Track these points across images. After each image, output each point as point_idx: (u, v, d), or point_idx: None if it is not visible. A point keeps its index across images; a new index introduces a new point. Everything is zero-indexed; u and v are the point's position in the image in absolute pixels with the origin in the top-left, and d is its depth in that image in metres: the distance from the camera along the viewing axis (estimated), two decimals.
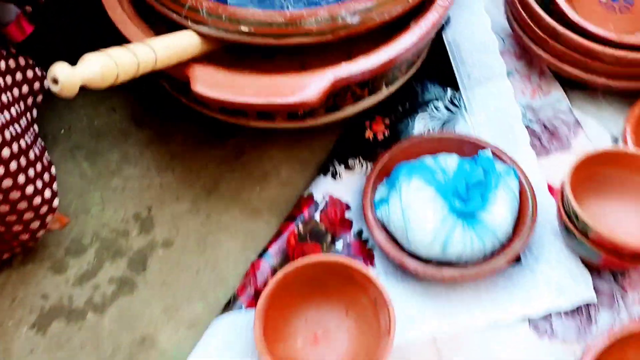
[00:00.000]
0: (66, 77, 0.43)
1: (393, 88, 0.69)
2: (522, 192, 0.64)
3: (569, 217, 0.58)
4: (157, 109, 0.78)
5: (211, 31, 0.58)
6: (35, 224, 0.60)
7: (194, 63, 0.59)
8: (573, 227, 0.58)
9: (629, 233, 0.61)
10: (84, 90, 0.77)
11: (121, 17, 0.62)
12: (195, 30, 0.59)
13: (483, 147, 0.67)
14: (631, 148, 0.67)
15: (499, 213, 0.60)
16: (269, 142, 0.75)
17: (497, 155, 0.66)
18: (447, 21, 0.78)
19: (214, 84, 0.57)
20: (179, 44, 0.56)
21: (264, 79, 0.58)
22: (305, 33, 0.58)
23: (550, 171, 0.70)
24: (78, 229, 0.69)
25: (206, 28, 0.58)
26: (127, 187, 0.73)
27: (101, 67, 0.46)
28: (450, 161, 0.65)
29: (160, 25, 0.63)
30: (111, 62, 0.47)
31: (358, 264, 0.57)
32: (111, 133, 0.77)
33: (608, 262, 0.57)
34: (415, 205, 0.60)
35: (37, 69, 0.67)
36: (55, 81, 0.43)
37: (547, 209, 0.65)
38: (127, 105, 0.80)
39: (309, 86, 0.56)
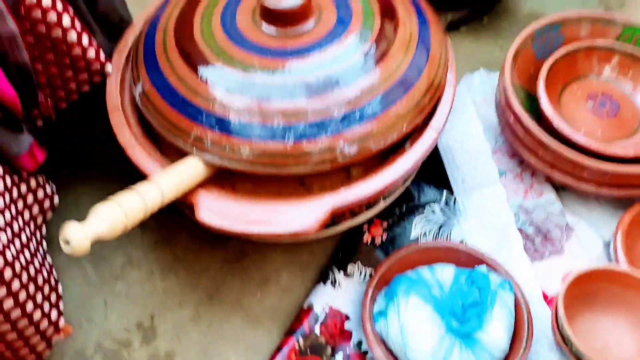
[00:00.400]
0: (78, 239, 0.45)
1: (390, 200, 0.72)
2: (517, 307, 0.66)
3: (564, 340, 0.60)
4: (161, 211, 0.80)
5: (215, 160, 0.61)
6: (41, 346, 0.61)
7: (198, 188, 0.61)
8: (568, 352, 0.59)
9: (622, 350, 0.62)
10: (90, 190, 0.80)
11: (129, 141, 0.65)
12: (200, 158, 0.61)
13: (478, 258, 0.69)
14: (621, 258, 0.69)
15: (496, 332, 0.62)
16: (270, 244, 0.76)
17: (492, 266, 0.68)
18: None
19: (217, 213, 0.59)
20: (185, 176, 0.58)
21: (265, 206, 0.60)
22: (305, 163, 0.60)
23: (545, 277, 0.72)
24: (81, 339, 0.70)
25: (210, 156, 0.61)
26: (131, 292, 0.74)
27: (111, 221, 0.48)
28: (446, 273, 0.67)
29: (167, 145, 0.66)
30: (121, 214, 0.49)
31: None
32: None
33: None
34: (413, 323, 0.62)
35: (47, 187, 0.69)
36: (67, 242, 0.45)
37: (542, 319, 0.67)
38: None
39: (308, 216, 0.58)
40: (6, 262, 0.52)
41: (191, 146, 0.61)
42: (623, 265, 0.68)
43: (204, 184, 0.62)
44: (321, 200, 0.60)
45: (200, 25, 0.67)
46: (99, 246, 0.76)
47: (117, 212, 0.49)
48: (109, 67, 0.70)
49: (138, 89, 0.67)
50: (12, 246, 0.56)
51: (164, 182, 0.56)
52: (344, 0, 0.70)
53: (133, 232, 0.78)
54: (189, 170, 0.60)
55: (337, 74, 0.62)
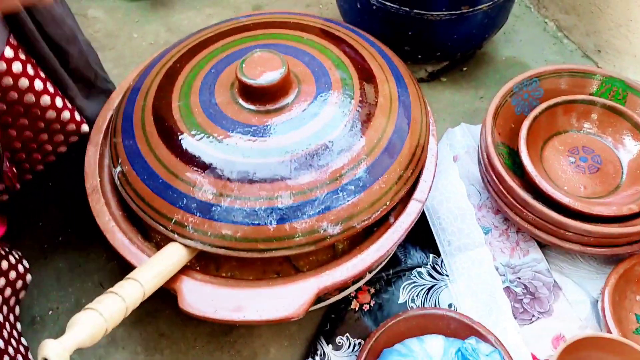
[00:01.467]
0: (57, 356, 0.44)
1: (376, 270, 0.71)
2: None
3: None
4: None
5: (197, 245, 0.60)
6: None
7: (181, 274, 0.60)
8: None
9: None
10: (71, 266, 0.79)
11: (109, 226, 0.63)
12: (182, 243, 0.60)
13: (468, 325, 0.68)
14: (609, 318, 0.68)
15: None
16: None
17: (482, 335, 0.68)
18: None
19: (200, 301, 0.58)
20: (168, 265, 0.57)
21: (249, 292, 0.59)
22: (288, 246, 0.59)
23: (535, 341, 0.71)
24: None
25: (192, 242, 0.60)
26: None
27: (90, 329, 0.47)
28: (435, 345, 0.66)
29: (149, 227, 0.65)
30: (100, 320, 0.48)
31: None
32: None
33: None
34: None
35: (20, 266, 0.68)
36: None
37: None
38: (114, 279, 0.80)
39: (293, 300, 0.57)
40: None
41: (172, 232, 0.60)
42: (611, 325, 0.67)
43: (187, 267, 0.61)
44: (306, 282, 0.59)
45: (178, 103, 0.66)
46: None
47: (96, 320, 0.48)
48: (85, 127, 0.69)
49: (117, 170, 0.66)
50: None
51: (145, 277, 0.54)
52: (322, 69, 0.69)
53: None
54: (171, 258, 0.58)
55: (321, 150, 0.61)
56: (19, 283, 0.68)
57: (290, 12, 0.81)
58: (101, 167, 0.70)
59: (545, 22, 1.06)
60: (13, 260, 0.67)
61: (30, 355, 0.65)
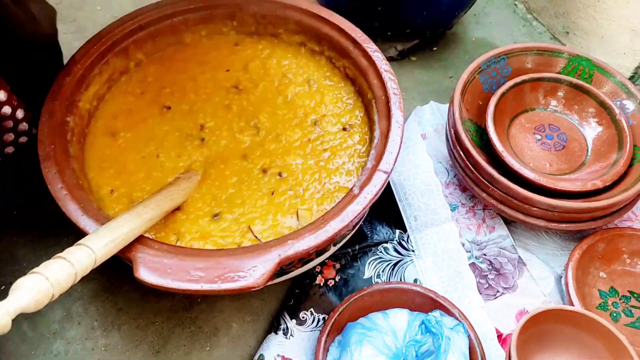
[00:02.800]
0: None
1: (341, 244, 0.70)
2: (471, 349, 0.64)
3: None
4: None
5: None
6: None
7: (136, 243, 0.58)
8: None
9: None
10: (26, 241, 0.76)
11: (61, 194, 0.61)
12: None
13: (432, 299, 0.68)
14: (572, 293, 0.68)
15: None
16: None
17: (446, 309, 0.67)
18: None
19: (157, 270, 0.56)
20: (122, 233, 0.55)
21: (208, 261, 0.57)
22: None
23: (499, 315, 0.71)
24: None
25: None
26: (70, 350, 0.70)
27: (35, 293, 0.45)
28: (400, 319, 0.65)
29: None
30: (46, 285, 0.46)
31: None
32: None
33: None
34: None
35: None
36: None
37: (496, 359, 0.66)
38: None
39: (254, 270, 0.56)
40: None
41: None
42: (574, 300, 0.68)
43: (143, 236, 0.59)
44: (269, 252, 0.57)
45: None
46: None
47: (42, 284, 0.46)
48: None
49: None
50: None
51: (97, 244, 0.52)
52: None
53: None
54: (127, 225, 0.56)
55: None
56: None
57: None
58: (56, 134, 0.67)
59: (515, 4, 1.06)
60: None
61: None
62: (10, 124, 0.65)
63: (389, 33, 0.93)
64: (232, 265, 0.57)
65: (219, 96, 0.77)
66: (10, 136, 0.66)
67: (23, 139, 0.67)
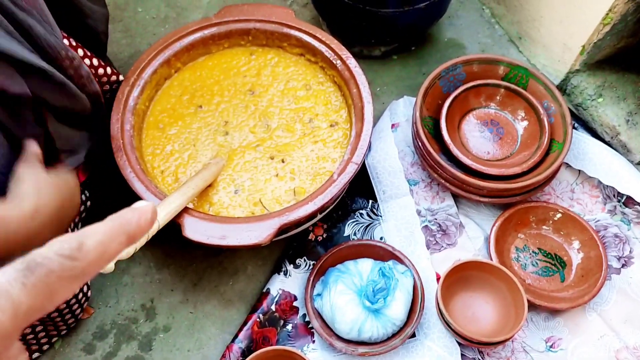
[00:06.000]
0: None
1: (325, 213, 0.97)
2: (415, 288, 0.92)
3: (440, 313, 0.87)
4: None
5: None
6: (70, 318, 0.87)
7: (184, 213, 0.85)
8: (443, 320, 0.86)
9: (485, 317, 0.90)
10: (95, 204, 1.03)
11: (130, 177, 0.88)
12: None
13: (391, 252, 0.95)
14: (492, 250, 0.95)
15: (396, 308, 0.88)
16: None
17: (400, 259, 0.94)
18: (369, 147, 1.05)
19: (198, 231, 0.84)
20: (175, 208, 0.82)
21: (231, 226, 0.84)
22: None
23: (441, 264, 0.98)
24: (100, 317, 0.95)
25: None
26: (135, 282, 0.99)
27: (155, 228, 0.72)
28: (365, 266, 0.93)
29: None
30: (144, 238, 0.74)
31: (297, 352, 0.84)
32: None
33: (466, 344, 0.86)
34: (339, 304, 0.88)
35: (82, 196, 0.92)
36: None
37: (435, 296, 0.94)
38: None
39: (262, 232, 0.83)
40: None
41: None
42: (492, 254, 0.94)
43: (187, 207, 0.86)
44: (272, 220, 0.85)
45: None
46: None
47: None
48: (121, 77, 0.97)
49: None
50: None
51: (159, 216, 0.79)
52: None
53: None
54: (176, 201, 0.83)
55: None
56: (82, 207, 0.93)
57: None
58: (123, 131, 0.94)
59: (482, 9, 1.27)
60: (83, 198, 0.92)
61: None
62: (105, 79, 0.93)
63: (373, 40, 1.17)
64: (247, 228, 0.84)
65: (238, 98, 1.02)
66: (106, 87, 0.94)
67: (107, 87, 0.96)
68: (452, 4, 1.22)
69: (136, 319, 0.95)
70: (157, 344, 0.93)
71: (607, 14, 0.97)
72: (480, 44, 1.24)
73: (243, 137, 0.98)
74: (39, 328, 0.85)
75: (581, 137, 1.05)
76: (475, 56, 1.07)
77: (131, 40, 1.26)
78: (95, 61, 0.90)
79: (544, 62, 1.15)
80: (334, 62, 1.01)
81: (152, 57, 1.01)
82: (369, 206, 1.03)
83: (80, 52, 0.87)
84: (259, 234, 0.83)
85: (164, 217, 0.79)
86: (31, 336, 0.85)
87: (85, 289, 0.88)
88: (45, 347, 0.90)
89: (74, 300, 0.85)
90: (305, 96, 1.02)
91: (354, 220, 1.02)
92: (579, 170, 1.04)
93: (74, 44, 0.85)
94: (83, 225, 0.96)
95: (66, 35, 0.83)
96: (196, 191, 0.87)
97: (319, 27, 1.04)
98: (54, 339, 0.90)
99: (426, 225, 1.02)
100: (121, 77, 0.98)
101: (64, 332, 0.90)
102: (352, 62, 0.99)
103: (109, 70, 0.95)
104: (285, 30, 1.04)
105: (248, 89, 1.03)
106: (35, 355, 0.90)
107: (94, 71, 0.90)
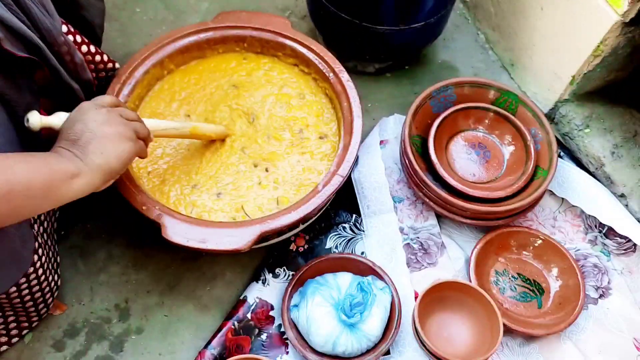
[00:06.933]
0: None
1: (307, 224, 0.96)
2: (392, 305, 0.91)
3: (416, 331, 0.87)
4: (136, 220, 1.03)
5: None
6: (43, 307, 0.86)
7: (165, 215, 0.84)
8: (418, 339, 0.86)
9: (461, 338, 0.89)
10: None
11: None
12: None
13: (371, 267, 0.94)
14: (472, 272, 0.95)
15: (372, 324, 0.88)
16: None
17: (380, 275, 0.94)
18: (356, 161, 1.05)
19: (178, 233, 0.83)
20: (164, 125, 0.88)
21: (212, 230, 0.84)
22: None
23: (421, 282, 0.98)
24: (73, 315, 0.94)
25: None
26: (111, 281, 0.98)
27: None
28: (344, 280, 0.92)
29: None
30: None
31: None
32: (100, 236, 1.02)
33: None
34: (316, 316, 0.87)
35: None
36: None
37: (411, 315, 0.93)
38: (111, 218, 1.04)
39: (242, 238, 0.83)
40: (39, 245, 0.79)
41: None
42: (472, 276, 0.94)
43: (169, 208, 0.86)
44: (253, 227, 0.84)
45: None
46: (86, 243, 1.00)
47: None
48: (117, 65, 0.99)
49: None
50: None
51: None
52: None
53: (114, 233, 1.02)
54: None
55: None
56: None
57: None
58: None
59: (477, 34, 1.29)
60: None
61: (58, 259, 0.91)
62: (101, 66, 0.95)
63: (367, 56, 1.17)
64: (227, 233, 0.84)
65: (219, 95, 1.02)
66: (102, 74, 0.96)
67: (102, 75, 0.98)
68: (448, 27, 1.23)
69: (109, 318, 0.94)
70: (129, 345, 0.92)
71: (598, 46, 0.99)
72: (473, 68, 1.26)
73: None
74: (10, 318, 0.84)
75: (566, 166, 1.06)
76: (467, 79, 1.08)
77: (127, 40, 1.26)
78: (92, 48, 0.91)
79: (534, 90, 1.17)
80: (327, 74, 1.01)
81: (145, 56, 1.01)
82: (352, 220, 1.03)
83: (78, 38, 0.88)
84: (239, 239, 0.83)
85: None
86: (1, 326, 0.83)
87: (56, 277, 0.87)
88: (15, 339, 0.89)
89: (47, 289, 0.84)
90: (298, 105, 1.02)
91: (337, 233, 1.02)
92: (562, 199, 1.05)
93: (72, 30, 0.86)
94: (60, 217, 0.96)
95: (64, 21, 0.84)
96: (183, 128, 0.89)
97: (315, 40, 1.04)
98: (25, 332, 0.89)
99: (408, 243, 1.02)
100: (117, 65, 1.00)
101: (36, 322, 0.89)
102: (344, 76, 1.00)
103: (105, 57, 0.96)
104: (281, 39, 1.05)
105: (233, 86, 1.03)
106: (3, 348, 0.88)
107: (90, 57, 0.91)
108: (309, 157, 0.97)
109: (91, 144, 0.67)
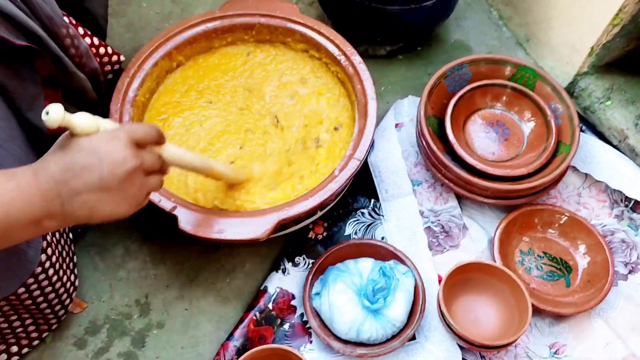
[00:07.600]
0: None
1: (325, 210, 0.94)
2: (416, 289, 0.89)
3: (442, 315, 0.84)
4: (152, 213, 1.02)
5: None
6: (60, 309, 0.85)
7: (179, 206, 0.83)
8: (444, 322, 0.84)
9: (487, 321, 0.87)
10: None
11: None
12: None
13: (392, 252, 0.92)
14: (496, 252, 0.92)
15: (396, 309, 0.86)
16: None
17: (401, 259, 0.92)
18: (372, 145, 1.03)
19: (194, 224, 0.82)
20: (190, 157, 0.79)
21: (228, 219, 0.82)
22: None
23: (444, 265, 0.96)
24: (93, 312, 0.93)
25: None
26: (130, 277, 0.97)
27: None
28: (366, 265, 0.90)
29: None
30: None
31: (294, 351, 0.82)
32: (117, 232, 1.01)
33: (467, 347, 0.84)
34: (338, 303, 0.86)
35: None
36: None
37: (436, 298, 0.91)
38: None
39: (259, 227, 0.81)
40: (48, 244, 0.76)
41: None
42: (496, 257, 0.92)
43: (183, 199, 0.84)
44: (271, 215, 0.83)
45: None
46: (102, 240, 0.99)
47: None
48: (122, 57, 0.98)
49: None
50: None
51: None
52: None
53: (130, 229, 1.01)
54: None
55: None
56: None
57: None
58: (121, 123, 0.92)
59: (490, 11, 1.26)
60: None
61: (74, 259, 0.89)
62: (106, 59, 0.94)
63: (378, 39, 1.15)
64: (244, 222, 0.82)
65: (239, 98, 1.01)
66: (107, 68, 0.95)
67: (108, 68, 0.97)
68: (459, 5, 1.20)
69: (130, 314, 0.93)
70: (151, 340, 0.91)
71: (617, 15, 0.95)
72: (487, 46, 1.23)
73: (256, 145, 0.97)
74: (28, 321, 0.83)
75: (589, 140, 1.03)
76: (482, 56, 1.05)
77: (134, 35, 1.25)
78: (95, 40, 0.90)
79: (551, 65, 1.13)
80: (338, 57, 0.99)
81: (153, 49, 0.99)
82: (371, 205, 1.01)
83: (81, 30, 0.87)
84: (257, 228, 0.81)
85: (172, 150, 0.72)
86: (20, 329, 0.83)
87: (72, 278, 0.86)
88: (36, 342, 0.88)
89: (62, 290, 0.83)
90: (307, 95, 1.01)
91: (355, 219, 1.00)
92: (586, 174, 1.02)
93: (73, 22, 0.85)
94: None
95: (66, 13, 0.83)
96: (206, 166, 0.81)
97: None
98: (45, 334, 0.88)
99: (429, 226, 1.00)
100: (122, 57, 0.99)
101: (55, 325, 0.88)
102: (356, 58, 0.98)
103: (109, 49, 0.95)
104: (290, 25, 1.03)
105: (245, 88, 1.02)
106: (25, 350, 0.87)
107: (94, 50, 0.90)
108: (326, 150, 0.95)
109: (84, 194, 0.53)
